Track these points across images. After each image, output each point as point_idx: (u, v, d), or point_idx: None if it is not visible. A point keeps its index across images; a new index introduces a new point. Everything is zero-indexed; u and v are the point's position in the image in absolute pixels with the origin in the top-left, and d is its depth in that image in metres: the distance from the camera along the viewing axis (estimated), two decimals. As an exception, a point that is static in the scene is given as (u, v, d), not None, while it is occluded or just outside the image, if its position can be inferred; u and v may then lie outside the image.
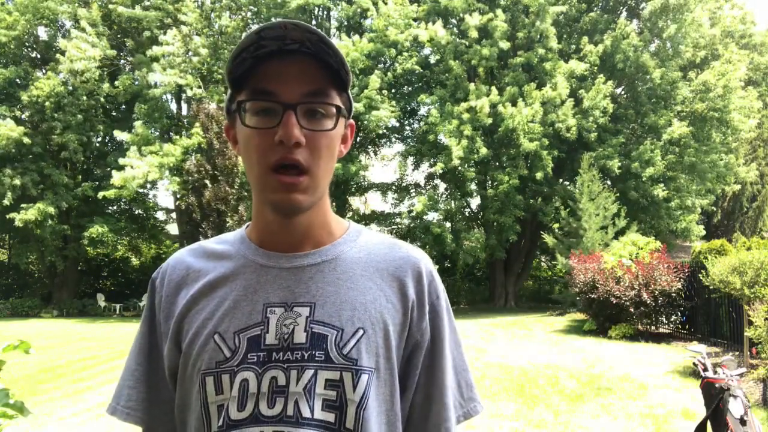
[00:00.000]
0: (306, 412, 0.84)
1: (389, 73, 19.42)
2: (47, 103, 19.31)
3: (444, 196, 22.91)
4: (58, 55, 19.49)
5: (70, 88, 19.78)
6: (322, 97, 0.87)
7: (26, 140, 19.05)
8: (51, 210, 19.03)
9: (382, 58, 19.91)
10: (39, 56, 22.47)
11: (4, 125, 18.80)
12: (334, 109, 0.88)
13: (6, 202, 18.87)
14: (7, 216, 18.96)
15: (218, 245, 0.99)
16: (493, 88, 18.85)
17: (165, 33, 19.08)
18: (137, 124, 19.36)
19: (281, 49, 0.85)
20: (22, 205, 19.08)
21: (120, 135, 19.37)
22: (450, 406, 0.97)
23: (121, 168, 18.01)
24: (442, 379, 0.96)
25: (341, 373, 0.86)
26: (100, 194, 18.54)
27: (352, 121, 0.98)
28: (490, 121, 18.23)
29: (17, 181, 19.18)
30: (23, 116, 20.72)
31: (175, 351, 0.93)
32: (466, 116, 18.29)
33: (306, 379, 0.85)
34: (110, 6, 19.99)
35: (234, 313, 0.89)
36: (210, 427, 0.87)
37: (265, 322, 0.88)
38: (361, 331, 0.89)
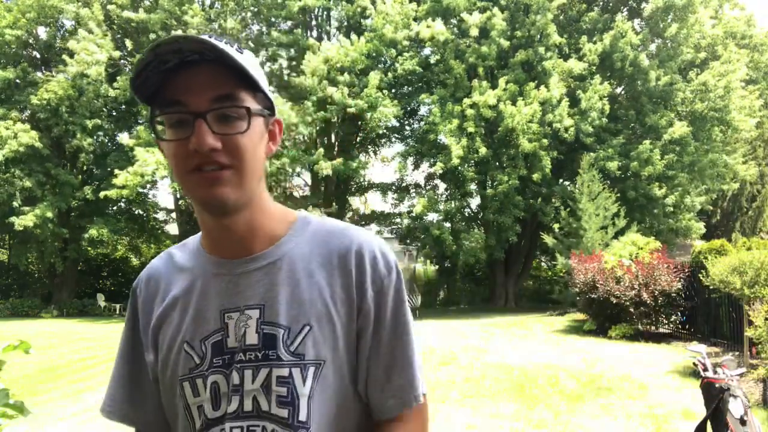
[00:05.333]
0: (264, 406, 0.91)
1: (389, 74, 19.42)
2: (62, 108, 19.39)
3: (444, 196, 22.91)
4: (65, 57, 19.51)
5: (79, 90, 19.85)
6: (230, 101, 0.88)
7: (38, 144, 19.17)
8: (49, 214, 19.07)
9: (382, 58, 19.91)
10: (39, 56, 22.50)
11: (17, 129, 18.90)
12: (244, 111, 0.88)
13: (15, 203, 18.98)
14: (7, 220, 19.02)
15: (181, 254, 1.05)
16: (500, 81, 18.85)
17: (169, 34, 19.08)
18: (140, 128, 19.39)
19: (183, 61, 0.86)
20: (23, 208, 19.13)
21: (123, 138, 19.45)
22: (379, 397, 0.97)
23: (126, 166, 18.05)
24: (374, 367, 0.97)
25: (290, 369, 0.91)
26: (102, 194, 18.59)
27: (278, 117, 0.99)
28: (494, 115, 18.24)
29: (28, 183, 19.27)
30: (25, 117, 20.76)
31: (154, 359, 1.01)
32: (469, 112, 18.31)
33: (262, 378, 0.91)
34: (110, 7, 20.00)
35: (197, 322, 0.96)
36: (195, 426, 0.95)
37: (225, 328, 0.94)
38: (307, 327, 0.92)
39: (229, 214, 0.92)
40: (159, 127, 0.90)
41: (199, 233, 1.04)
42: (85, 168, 22.45)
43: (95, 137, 21.14)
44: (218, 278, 0.96)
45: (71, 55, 19.18)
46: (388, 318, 0.97)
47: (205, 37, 0.85)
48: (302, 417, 0.90)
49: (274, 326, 0.92)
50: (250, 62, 0.89)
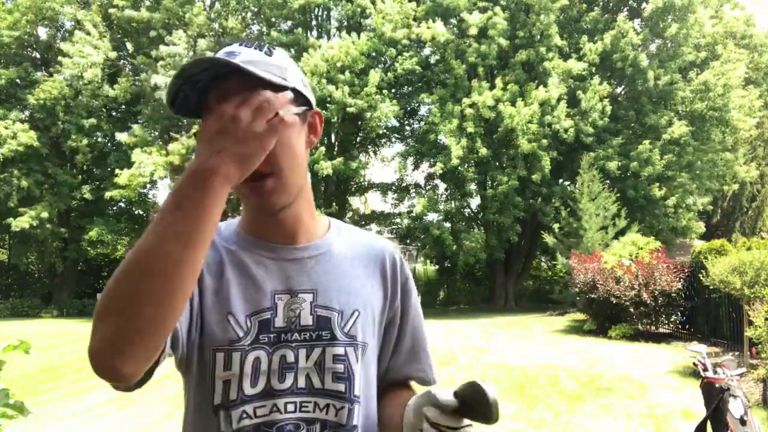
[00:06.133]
0: (317, 383, 0.99)
1: (389, 73, 19.41)
2: (58, 107, 19.39)
3: (444, 196, 22.90)
4: (60, 58, 19.53)
5: (75, 90, 19.86)
6: None
7: (37, 144, 19.18)
8: (45, 214, 19.04)
9: (382, 58, 19.91)
10: (39, 56, 22.51)
11: (17, 129, 18.93)
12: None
13: (11, 204, 18.97)
14: (4, 221, 19.03)
15: (218, 236, 1.05)
16: (498, 81, 18.86)
17: (170, 34, 19.09)
18: (136, 126, 19.40)
19: (216, 75, 0.92)
20: (20, 209, 19.13)
21: (120, 136, 19.44)
22: (409, 366, 1.16)
23: (126, 166, 18.04)
24: (402, 347, 1.15)
25: (345, 348, 1.01)
26: (107, 194, 18.58)
27: (317, 109, 1.05)
28: (493, 115, 18.24)
29: (24, 183, 19.27)
30: (25, 116, 20.77)
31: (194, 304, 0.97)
32: (468, 112, 18.30)
33: (316, 356, 0.99)
34: (111, 10, 19.99)
35: (245, 297, 0.99)
36: (213, 400, 0.97)
37: (274, 308, 1.00)
38: (357, 313, 1.04)
39: (280, 212, 1.01)
40: None
41: (231, 221, 1.11)
42: (85, 168, 22.45)
43: (94, 137, 21.15)
44: (268, 261, 1.03)
45: (66, 55, 19.20)
46: (413, 310, 1.16)
47: (230, 49, 0.94)
48: (356, 391, 1.02)
49: (327, 309, 1.02)
50: (280, 63, 0.97)
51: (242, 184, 0.92)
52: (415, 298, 1.17)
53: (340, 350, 1.00)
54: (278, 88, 0.95)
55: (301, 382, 0.98)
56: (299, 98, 0.99)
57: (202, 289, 0.98)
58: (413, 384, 1.20)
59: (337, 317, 1.02)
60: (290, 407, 0.97)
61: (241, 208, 1.09)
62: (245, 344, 0.96)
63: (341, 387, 1.00)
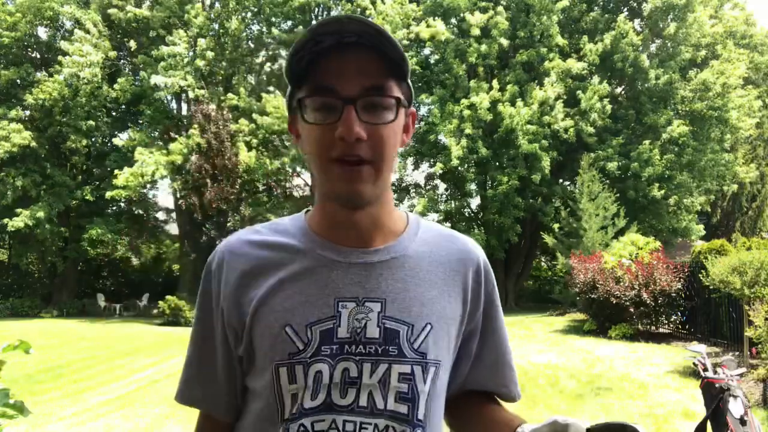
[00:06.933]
0: (380, 404, 0.89)
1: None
2: (56, 108, 19.38)
3: (444, 196, 22.91)
4: (59, 57, 19.53)
5: (74, 90, 19.86)
6: (381, 91, 0.86)
7: (33, 144, 19.16)
8: (41, 214, 19.02)
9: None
10: (39, 57, 22.51)
11: (12, 129, 18.91)
12: (393, 101, 0.87)
13: (4, 202, 18.94)
14: (1, 221, 19.03)
15: (279, 237, 0.97)
16: (495, 82, 18.89)
17: (170, 33, 19.08)
18: (131, 131, 19.45)
19: (339, 43, 0.85)
20: (17, 210, 19.12)
21: (118, 140, 19.50)
22: (491, 381, 1.10)
23: (125, 166, 18.07)
24: (485, 361, 1.06)
25: (412, 366, 0.91)
26: (108, 194, 18.58)
27: (413, 109, 0.98)
28: (490, 117, 18.26)
29: (19, 182, 19.24)
30: (25, 117, 20.77)
31: (246, 340, 0.93)
32: (467, 113, 18.31)
33: (381, 373, 0.89)
34: (111, 10, 19.99)
35: (306, 306, 0.91)
36: (284, 414, 0.90)
37: (338, 317, 0.90)
38: (429, 326, 0.93)
39: (362, 208, 0.92)
40: (305, 110, 0.88)
41: (297, 215, 1.02)
42: (84, 168, 22.43)
43: (93, 138, 21.14)
44: (335, 264, 0.93)
45: (65, 55, 19.21)
46: (498, 321, 1.06)
47: (370, 20, 0.85)
48: (420, 415, 0.91)
49: (396, 322, 0.91)
50: (402, 51, 0.89)
51: (335, 165, 0.86)
52: (500, 309, 1.07)
53: (406, 368, 0.90)
54: (402, 73, 0.89)
55: (363, 401, 0.89)
56: (408, 93, 0.93)
57: (258, 324, 0.92)
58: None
59: (407, 331, 0.91)
60: (349, 426, 0.88)
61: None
62: (306, 357, 0.89)
63: (404, 409, 0.90)
